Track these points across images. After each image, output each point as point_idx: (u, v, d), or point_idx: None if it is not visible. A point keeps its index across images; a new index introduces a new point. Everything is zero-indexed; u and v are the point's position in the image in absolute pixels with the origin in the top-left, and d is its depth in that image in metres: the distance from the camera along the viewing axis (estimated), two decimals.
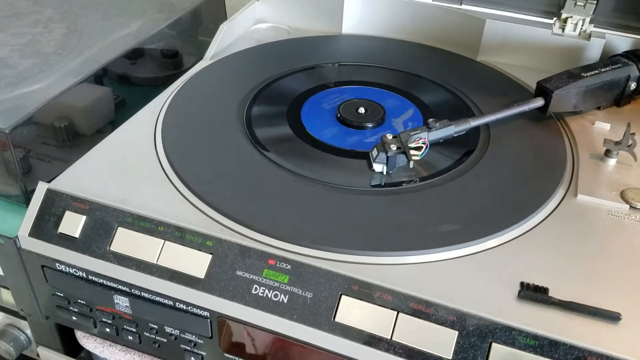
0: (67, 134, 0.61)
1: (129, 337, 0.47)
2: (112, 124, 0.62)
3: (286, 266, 0.39)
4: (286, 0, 0.70)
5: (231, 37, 0.67)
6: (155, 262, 0.41)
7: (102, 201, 0.43)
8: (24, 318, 0.56)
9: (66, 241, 0.43)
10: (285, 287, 0.39)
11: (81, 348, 0.52)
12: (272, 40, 0.67)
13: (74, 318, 0.48)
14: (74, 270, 0.44)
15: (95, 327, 0.48)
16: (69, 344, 0.54)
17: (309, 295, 0.38)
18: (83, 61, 0.65)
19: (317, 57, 0.64)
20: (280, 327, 0.39)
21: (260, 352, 0.42)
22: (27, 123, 0.56)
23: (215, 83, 0.59)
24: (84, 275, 0.44)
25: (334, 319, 0.38)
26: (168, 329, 0.45)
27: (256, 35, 0.69)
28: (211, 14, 0.80)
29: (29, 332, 0.57)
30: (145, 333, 0.46)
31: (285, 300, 0.38)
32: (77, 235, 0.43)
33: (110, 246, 0.42)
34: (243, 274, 0.39)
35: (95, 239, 0.42)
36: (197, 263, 0.40)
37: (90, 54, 0.66)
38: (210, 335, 0.43)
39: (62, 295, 0.47)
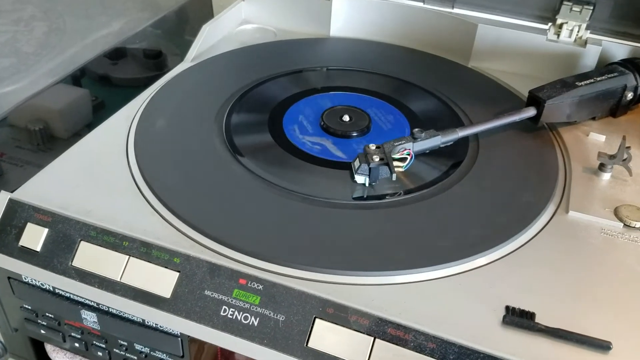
0: (42, 138, 0.59)
1: (99, 353, 0.45)
2: (90, 127, 0.60)
3: (258, 286, 0.37)
4: (273, 0, 0.68)
5: (215, 38, 0.64)
6: (118, 280, 0.39)
7: (65, 213, 0.41)
8: None
9: (27, 255, 0.41)
10: (256, 308, 0.37)
11: None
12: (258, 42, 0.65)
13: (42, 331, 0.46)
14: (40, 282, 0.42)
15: (65, 341, 0.46)
16: (41, 356, 0.52)
17: (280, 318, 0.36)
18: (62, 61, 0.63)
19: (304, 61, 0.62)
20: (250, 351, 0.37)
21: None
22: (0, 125, 0.54)
23: (195, 86, 0.56)
24: (51, 289, 0.42)
25: (306, 344, 0.36)
26: (138, 347, 0.43)
27: (241, 37, 0.67)
28: (197, 13, 0.78)
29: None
30: (115, 349, 0.44)
31: (256, 323, 0.36)
32: (38, 249, 0.41)
33: (72, 261, 0.40)
34: (212, 294, 0.37)
35: (57, 254, 0.40)
36: (163, 281, 0.38)
37: (70, 53, 0.64)
38: (181, 355, 0.41)
39: (30, 308, 0.45)
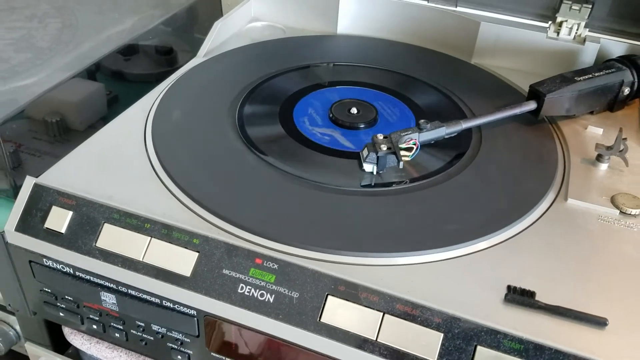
0: (58, 129, 0.61)
1: (116, 334, 0.46)
2: (105, 120, 0.62)
3: (273, 265, 0.39)
4: None
5: (225, 34, 0.66)
6: (141, 260, 0.41)
7: (88, 197, 0.43)
8: (12, 313, 0.55)
9: (52, 236, 0.43)
10: (272, 286, 0.38)
11: (69, 344, 0.52)
12: (267, 39, 0.67)
13: (61, 314, 0.48)
14: (61, 266, 0.44)
15: (83, 323, 0.47)
16: (57, 339, 0.53)
17: (295, 295, 0.38)
18: (76, 56, 0.65)
19: (312, 57, 0.64)
20: (266, 326, 0.39)
21: (247, 351, 0.42)
22: (18, 117, 0.56)
23: (207, 80, 0.58)
24: (71, 272, 0.44)
25: (319, 320, 0.38)
26: (155, 327, 0.44)
27: (251, 34, 0.69)
28: (207, 11, 0.80)
29: (18, 327, 0.57)
30: (132, 330, 0.46)
31: (271, 300, 0.38)
32: (63, 230, 0.43)
33: (96, 242, 0.42)
34: (229, 272, 0.39)
35: (82, 235, 0.42)
36: (183, 261, 0.40)
37: (84, 49, 0.66)
38: (197, 334, 0.43)
39: (49, 291, 0.47)
